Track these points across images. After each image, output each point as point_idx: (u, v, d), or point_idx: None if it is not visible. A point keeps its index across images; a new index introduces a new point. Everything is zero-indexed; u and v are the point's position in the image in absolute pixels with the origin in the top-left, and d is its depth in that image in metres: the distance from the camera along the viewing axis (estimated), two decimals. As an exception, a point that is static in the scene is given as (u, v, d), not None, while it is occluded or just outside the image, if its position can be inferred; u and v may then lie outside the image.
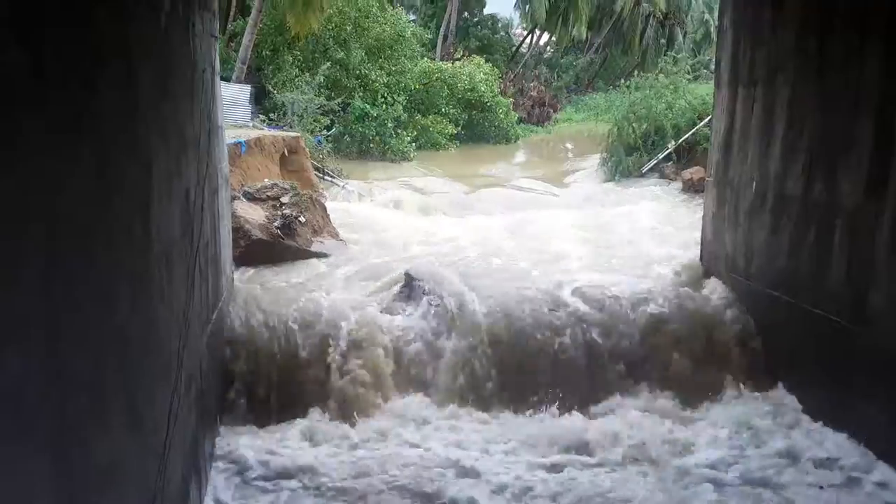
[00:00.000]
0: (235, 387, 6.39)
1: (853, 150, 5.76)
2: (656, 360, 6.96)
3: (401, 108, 19.97)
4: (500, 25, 39.68)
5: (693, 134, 15.22)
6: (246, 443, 5.86)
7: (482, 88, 23.12)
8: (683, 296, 7.48)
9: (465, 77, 23.07)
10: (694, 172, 13.75)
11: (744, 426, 6.19)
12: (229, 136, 9.27)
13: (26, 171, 2.18)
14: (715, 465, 5.62)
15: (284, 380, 6.49)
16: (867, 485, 5.32)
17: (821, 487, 5.33)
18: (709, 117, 11.79)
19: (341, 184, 14.34)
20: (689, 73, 19.24)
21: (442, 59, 27.83)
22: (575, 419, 6.37)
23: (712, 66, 13.91)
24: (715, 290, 7.60)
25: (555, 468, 5.59)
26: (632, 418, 6.33)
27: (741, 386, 6.84)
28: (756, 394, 6.73)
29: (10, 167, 2.08)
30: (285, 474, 5.49)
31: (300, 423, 6.18)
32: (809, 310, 6.29)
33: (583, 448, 5.85)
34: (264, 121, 16.47)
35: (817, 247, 6.21)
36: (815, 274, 6.23)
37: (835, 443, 5.85)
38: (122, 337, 3.15)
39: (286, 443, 5.93)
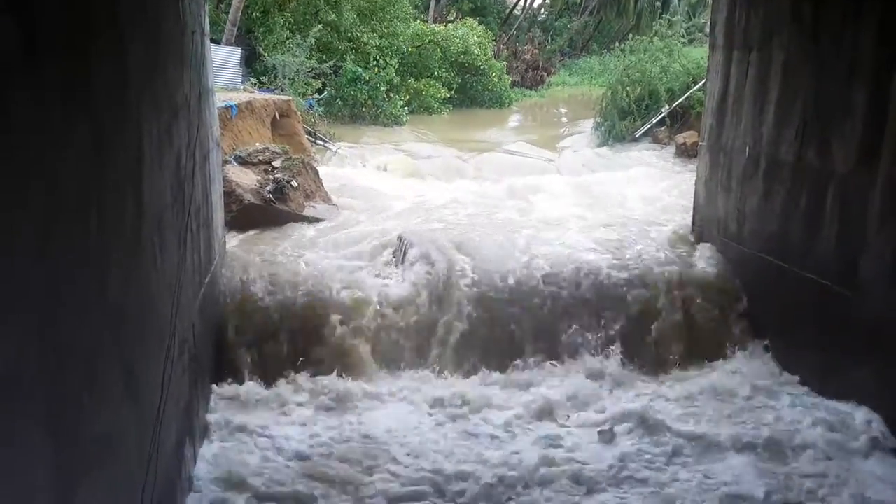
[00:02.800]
0: (228, 350, 6.42)
1: (847, 116, 5.75)
2: (644, 325, 7.01)
3: (393, 71, 19.77)
4: (493, -13, 39.13)
5: (687, 98, 15.13)
6: (239, 404, 5.91)
7: (475, 52, 22.89)
8: (674, 260, 7.51)
9: (458, 40, 22.82)
10: (687, 137, 13.71)
11: (724, 389, 6.30)
12: (220, 99, 9.17)
13: (19, 140, 2.16)
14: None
15: (277, 343, 6.53)
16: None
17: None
18: (703, 81, 11.72)
19: (333, 148, 14.24)
20: (683, 37, 19.06)
21: (434, 22, 27.50)
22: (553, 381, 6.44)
23: (707, 30, 13.82)
24: (705, 255, 7.64)
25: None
26: (616, 378, 6.47)
27: (728, 350, 6.91)
28: (743, 358, 6.80)
29: (1, 135, 2.06)
30: (279, 434, 5.56)
31: (293, 385, 6.24)
32: (800, 274, 6.33)
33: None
34: (255, 84, 16.30)
35: (809, 212, 6.24)
36: (807, 238, 6.26)
37: (824, 408, 5.94)
38: (115, 303, 3.15)
39: (279, 404, 5.98)
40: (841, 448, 5.38)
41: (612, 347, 6.83)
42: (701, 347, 6.90)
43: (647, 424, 5.68)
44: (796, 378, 6.41)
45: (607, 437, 5.54)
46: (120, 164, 3.28)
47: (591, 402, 6.13)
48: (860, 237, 5.67)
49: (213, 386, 6.03)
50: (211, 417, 5.62)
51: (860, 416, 5.64)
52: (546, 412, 5.94)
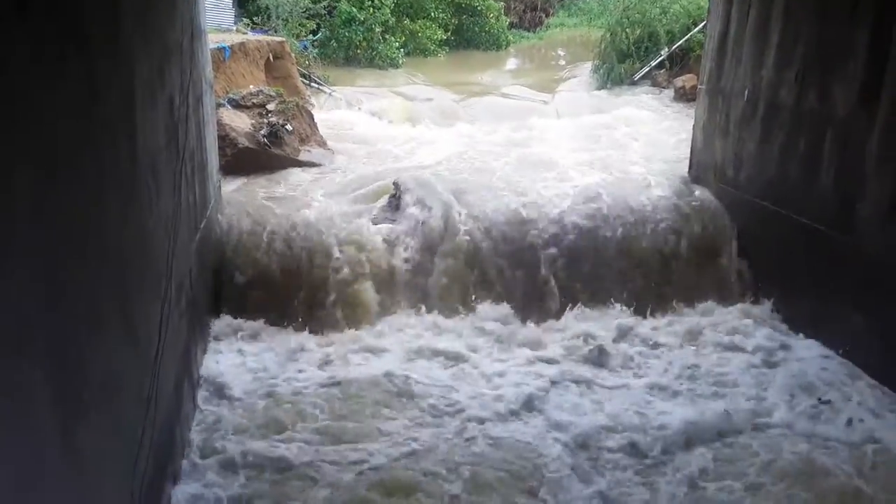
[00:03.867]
0: (225, 294, 6.45)
1: (848, 60, 5.69)
2: (637, 270, 7.07)
3: (388, 12, 19.37)
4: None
5: (687, 40, 14.90)
6: (237, 348, 5.97)
7: (473, -9, 22.46)
8: (670, 205, 7.51)
9: (455, -21, 22.37)
10: (686, 80, 13.53)
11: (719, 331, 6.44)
12: (212, 40, 9.01)
13: (12, 86, 2.13)
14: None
15: (274, 287, 6.56)
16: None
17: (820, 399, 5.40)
18: (703, 23, 11.53)
19: (328, 91, 14.05)
20: (685, -24, 18.70)
21: (431, -40, 26.85)
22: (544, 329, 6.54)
23: (709, -30, 13.54)
24: (701, 199, 7.63)
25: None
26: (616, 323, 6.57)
27: (724, 294, 6.96)
28: (739, 304, 6.86)
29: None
30: (276, 374, 5.64)
31: (290, 330, 6.29)
32: (796, 219, 6.34)
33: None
34: (248, 25, 15.98)
35: (807, 156, 6.21)
36: (804, 183, 6.25)
37: (818, 353, 6.04)
38: (112, 247, 3.15)
39: (276, 344, 6.05)
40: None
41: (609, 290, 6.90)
42: (694, 290, 6.94)
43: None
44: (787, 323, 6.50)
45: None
46: (112, 105, 3.25)
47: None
48: (857, 181, 5.66)
49: (211, 331, 6.07)
50: (210, 361, 5.69)
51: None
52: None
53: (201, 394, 5.28)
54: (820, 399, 5.36)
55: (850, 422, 5.07)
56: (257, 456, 4.64)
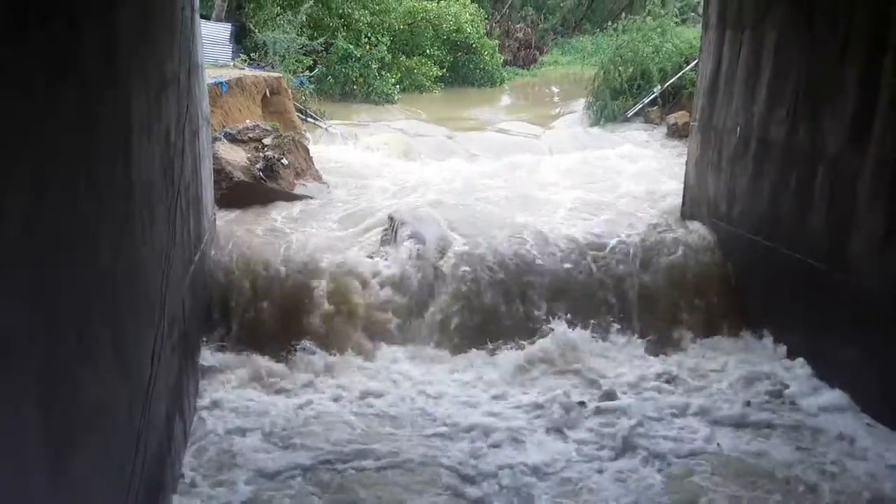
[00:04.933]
0: (217, 327, 6.42)
1: (838, 97, 5.76)
2: (633, 305, 7.06)
3: (384, 48, 19.58)
4: (486, -36, 38.71)
5: (679, 78, 15.08)
6: (228, 381, 5.93)
7: (468, 30, 22.67)
8: (663, 240, 7.54)
9: (450, 17, 22.59)
10: (679, 117, 13.67)
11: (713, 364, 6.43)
12: (210, 75, 9.10)
13: (7, 111, 2.14)
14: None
15: (267, 321, 6.53)
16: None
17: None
18: (695, 61, 11.69)
19: (324, 126, 14.14)
20: (676, 16, 18.95)
21: (427, -1, 27.21)
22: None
23: (700, 9, 13.74)
24: (695, 235, 7.66)
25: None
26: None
27: (717, 329, 6.96)
28: (731, 337, 6.85)
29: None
30: (267, 410, 5.58)
31: (281, 363, 6.25)
32: (789, 254, 6.36)
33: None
34: (245, 60, 16.11)
35: (799, 192, 6.26)
36: (797, 219, 6.28)
37: (810, 385, 6.01)
38: (105, 278, 3.14)
39: (268, 380, 6.00)
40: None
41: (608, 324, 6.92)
42: (689, 326, 6.93)
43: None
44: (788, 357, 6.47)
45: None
46: (108, 137, 3.26)
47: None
48: (849, 217, 5.69)
49: (203, 364, 6.03)
50: (202, 396, 5.64)
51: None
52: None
53: (193, 427, 5.23)
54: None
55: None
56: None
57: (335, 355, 6.38)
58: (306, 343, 6.40)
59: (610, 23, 22.27)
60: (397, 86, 19.34)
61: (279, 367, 6.20)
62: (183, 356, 5.02)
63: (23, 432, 2.20)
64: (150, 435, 3.74)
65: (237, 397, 5.73)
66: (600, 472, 4.93)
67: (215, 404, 5.60)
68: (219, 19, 17.60)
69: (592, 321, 6.83)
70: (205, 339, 6.27)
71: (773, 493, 4.73)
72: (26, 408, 2.23)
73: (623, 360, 6.49)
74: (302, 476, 4.83)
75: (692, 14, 22.97)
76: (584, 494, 4.70)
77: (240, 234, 7.42)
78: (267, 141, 9.27)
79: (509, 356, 6.48)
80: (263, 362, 6.21)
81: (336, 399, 5.80)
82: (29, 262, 2.27)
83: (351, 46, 18.57)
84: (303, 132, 12.13)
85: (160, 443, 4.11)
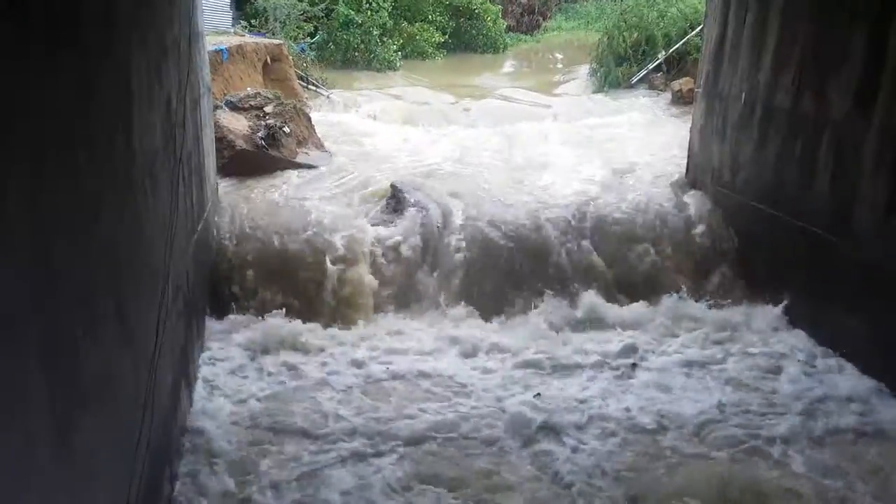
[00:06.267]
0: (221, 296, 6.45)
1: (844, 63, 5.70)
2: (635, 272, 7.07)
3: (386, 14, 19.39)
4: (489, -73, 38.10)
5: (684, 44, 14.92)
6: (234, 348, 5.96)
7: (470, -5, 22.49)
8: (666, 208, 7.52)
9: (452, -17, 22.40)
10: (683, 83, 13.55)
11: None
12: (210, 43, 9.02)
13: (6, 82, 2.12)
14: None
15: (270, 289, 6.55)
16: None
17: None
18: (700, 27, 11.56)
19: (326, 93, 14.06)
20: (682, -20, 18.74)
21: (429, -36, 26.85)
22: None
23: (706, -26, 13.56)
24: (697, 202, 7.64)
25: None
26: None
27: (719, 296, 6.96)
28: (735, 305, 6.85)
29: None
30: (271, 375, 5.64)
31: (286, 331, 6.28)
32: (793, 222, 6.35)
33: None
34: (245, 27, 15.97)
35: (804, 160, 6.22)
36: (801, 186, 6.26)
37: (811, 352, 6.04)
38: (109, 248, 3.14)
39: (272, 349, 6.04)
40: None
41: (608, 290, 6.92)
42: (691, 295, 6.94)
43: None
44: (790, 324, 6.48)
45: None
46: (108, 106, 3.24)
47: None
48: (854, 185, 5.67)
49: (207, 333, 6.06)
50: (206, 361, 5.68)
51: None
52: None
53: (198, 394, 5.27)
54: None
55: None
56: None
57: (339, 323, 6.41)
58: (310, 308, 6.42)
59: (614, -13, 21.98)
60: (399, 52, 19.18)
61: (284, 333, 6.23)
62: (188, 325, 5.05)
63: (28, 403, 2.21)
64: (156, 403, 3.77)
65: (241, 362, 5.77)
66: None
67: (221, 369, 5.64)
68: (219, -15, 17.41)
69: (592, 289, 6.85)
70: (209, 306, 6.29)
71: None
72: (31, 379, 2.24)
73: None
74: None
75: (698, -22, 22.66)
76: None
77: (242, 203, 7.41)
78: (268, 109, 9.21)
79: (516, 321, 6.53)
80: (268, 329, 6.24)
81: (336, 371, 5.81)
82: (30, 234, 2.27)
83: (352, 12, 18.38)
84: (304, 100, 12.06)
85: (166, 410, 4.15)
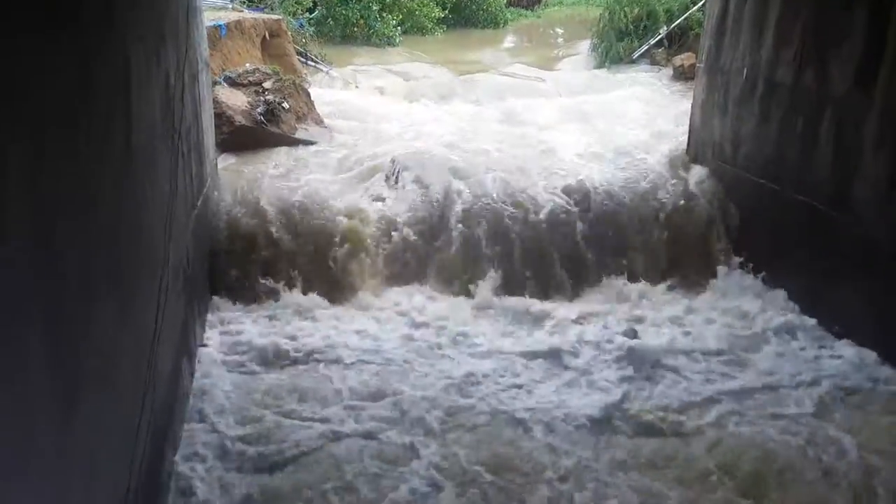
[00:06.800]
0: (221, 273, 6.46)
1: (846, 40, 5.67)
2: (636, 247, 7.10)
3: (386, -12, 19.25)
4: None
5: (686, 19, 14.80)
6: (235, 324, 5.98)
7: (470, -31, 22.25)
8: (668, 183, 7.51)
9: (452, -44, 22.15)
10: (685, 59, 13.45)
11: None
12: (208, 18, 8.95)
13: (1, 61, 2.11)
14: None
15: (270, 265, 6.56)
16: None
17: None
18: (702, 2, 11.48)
19: (325, 69, 13.96)
20: (684, -46, 18.54)
21: (429, -63, 26.54)
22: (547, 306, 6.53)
23: (709, -53, 13.41)
24: (699, 177, 7.63)
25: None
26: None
27: (719, 270, 6.98)
28: (734, 280, 6.87)
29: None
30: (276, 352, 5.65)
31: (286, 307, 6.29)
32: (793, 197, 6.35)
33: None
34: (244, 2, 15.84)
35: (805, 135, 6.21)
36: (802, 162, 6.25)
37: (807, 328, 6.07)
38: (108, 226, 3.13)
39: (273, 323, 6.06)
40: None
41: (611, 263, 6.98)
42: (691, 269, 6.95)
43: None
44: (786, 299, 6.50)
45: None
46: (105, 82, 3.22)
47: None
48: (855, 161, 5.66)
49: (208, 311, 6.08)
50: (207, 339, 5.70)
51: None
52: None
53: (200, 371, 5.30)
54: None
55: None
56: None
57: (340, 298, 6.43)
58: (311, 284, 6.44)
59: (616, -39, 21.75)
60: (399, 28, 19.02)
61: (282, 310, 6.25)
62: (188, 302, 5.06)
63: (28, 386, 2.22)
64: (157, 383, 3.79)
65: (243, 338, 5.79)
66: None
67: (222, 346, 5.66)
68: (216, -41, 17.24)
69: (595, 265, 6.87)
70: (210, 283, 6.31)
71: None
72: (30, 361, 2.24)
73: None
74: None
75: (700, -48, 22.43)
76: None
77: (242, 180, 7.40)
78: (267, 85, 9.16)
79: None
80: (268, 305, 6.26)
81: (341, 344, 5.83)
82: (29, 214, 2.26)
83: (351, -13, 18.21)
84: (303, 75, 11.97)
85: (167, 390, 4.17)
